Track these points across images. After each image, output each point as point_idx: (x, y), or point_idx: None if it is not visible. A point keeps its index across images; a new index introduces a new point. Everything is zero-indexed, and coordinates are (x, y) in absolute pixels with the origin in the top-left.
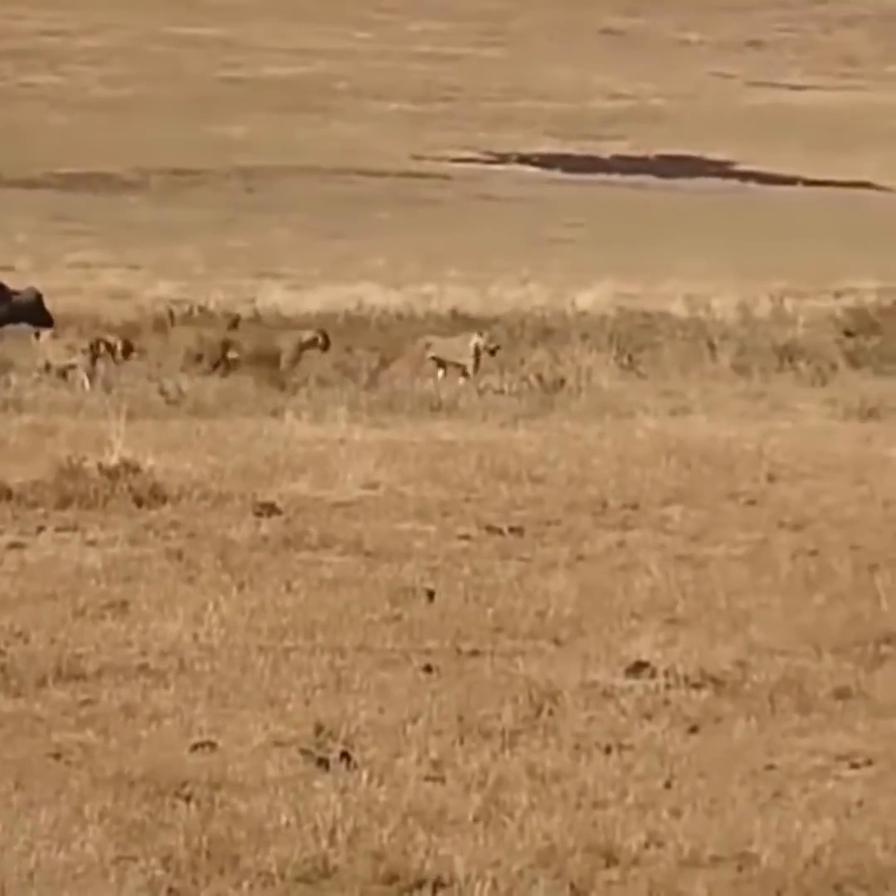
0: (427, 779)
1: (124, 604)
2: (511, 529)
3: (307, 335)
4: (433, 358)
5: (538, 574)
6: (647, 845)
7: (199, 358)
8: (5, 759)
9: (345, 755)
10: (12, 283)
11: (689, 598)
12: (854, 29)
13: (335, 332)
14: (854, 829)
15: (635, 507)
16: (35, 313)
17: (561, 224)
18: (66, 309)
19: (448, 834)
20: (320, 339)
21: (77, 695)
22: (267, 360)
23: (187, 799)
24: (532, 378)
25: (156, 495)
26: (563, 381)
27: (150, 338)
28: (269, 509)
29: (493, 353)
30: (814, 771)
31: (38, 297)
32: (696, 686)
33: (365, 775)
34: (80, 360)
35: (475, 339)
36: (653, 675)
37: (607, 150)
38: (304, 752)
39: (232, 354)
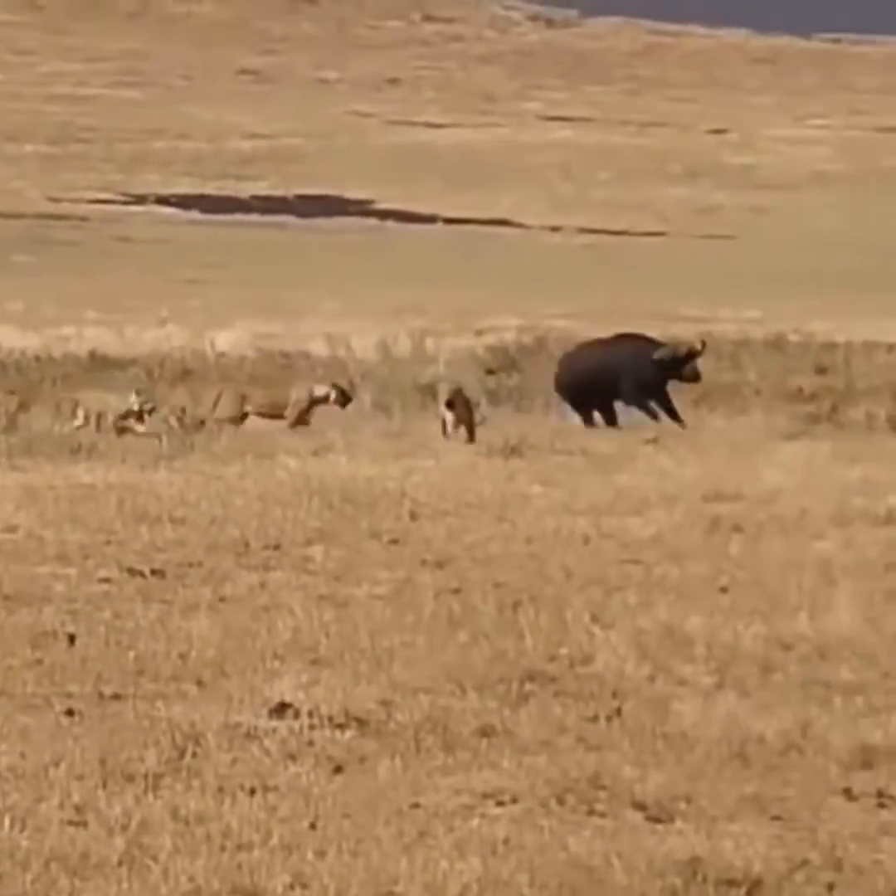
0: (69, 823)
1: None
2: (152, 572)
3: (320, 389)
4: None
5: (180, 616)
6: (292, 887)
7: None
8: None
9: None
10: None
11: (332, 638)
12: (491, 66)
13: None
14: (500, 867)
15: (277, 547)
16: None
17: (200, 265)
18: None
19: (91, 878)
20: (336, 394)
21: None
22: None
23: None
24: (172, 419)
25: None
26: (203, 423)
27: None
28: None
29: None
30: (459, 809)
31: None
32: (340, 726)
33: (7, 821)
34: None
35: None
36: (296, 715)
37: (246, 190)
38: None
39: None
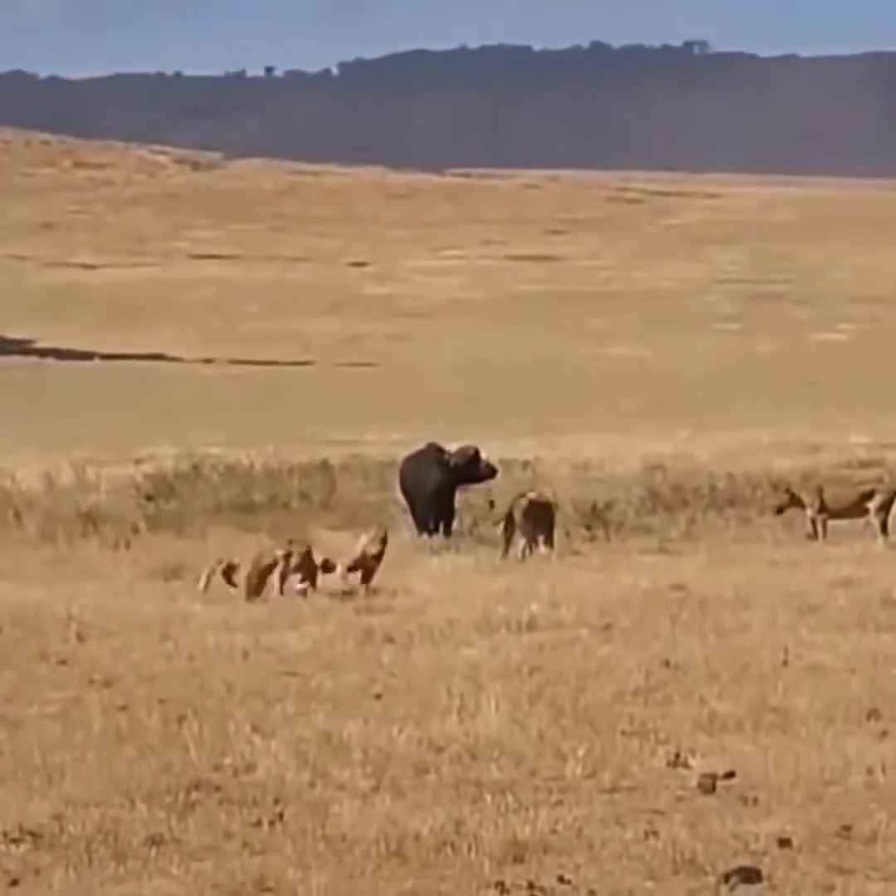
0: None
1: None
2: None
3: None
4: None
5: None
6: None
7: None
8: None
9: None
10: None
11: (5, 757)
12: (141, 208)
13: None
14: None
15: None
16: (474, 469)
17: None
18: None
19: None
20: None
21: None
22: None
23: None
24: None
25: None
26: None
27: None
28: None
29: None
30: None
31: (476, 453)
32: (15, 840)
33: None
34: None
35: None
36: None
37: None
38: None
39: None
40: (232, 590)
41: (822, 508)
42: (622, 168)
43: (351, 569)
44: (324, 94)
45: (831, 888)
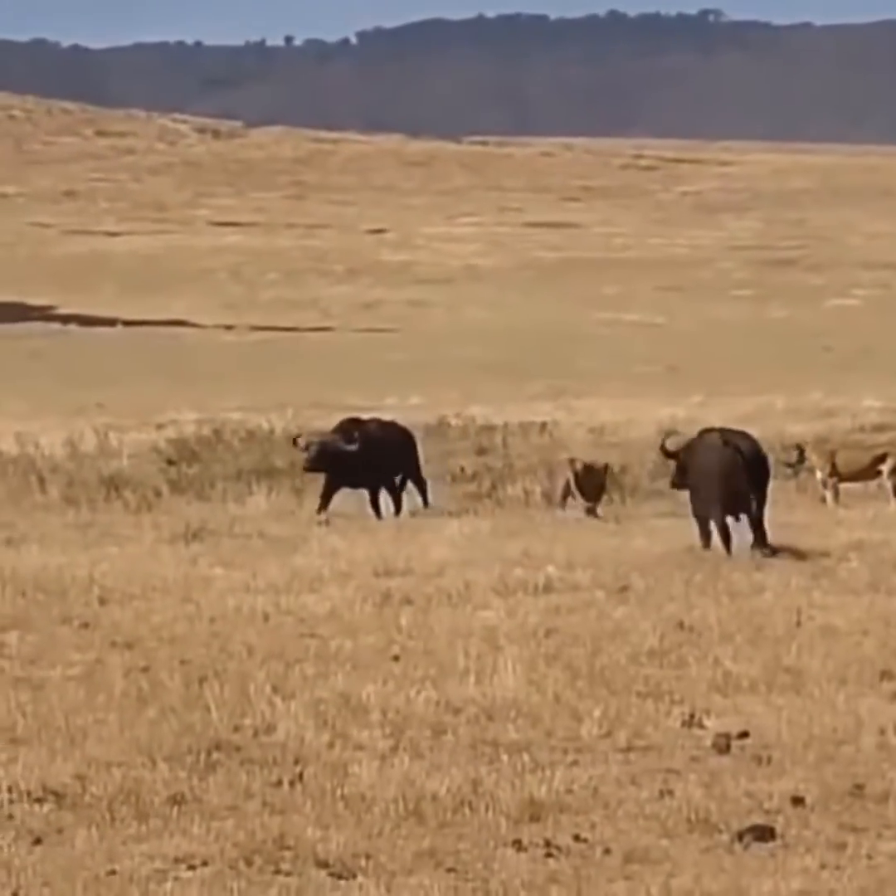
0: None
1: None
2: None
3: None
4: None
5: None
6: None
7: None
8: None
9: None
10: None
11: (28, 718)
12: (162, 177)
13: None
14: None
15: None
16: None
17: None
18: None
19: None
20: None
21: None
22: None
23: None
24: None
25: None
26: None
27: None
28: None
29: None
30: (153, 874)
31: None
32: (39, 800)
33: None
34: None
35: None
36: None
37: None
38: None
39: None
40: None
41: (834, 472)
42: (637, 136)
43: None
44: (342, 62)
45: (844, 846)
